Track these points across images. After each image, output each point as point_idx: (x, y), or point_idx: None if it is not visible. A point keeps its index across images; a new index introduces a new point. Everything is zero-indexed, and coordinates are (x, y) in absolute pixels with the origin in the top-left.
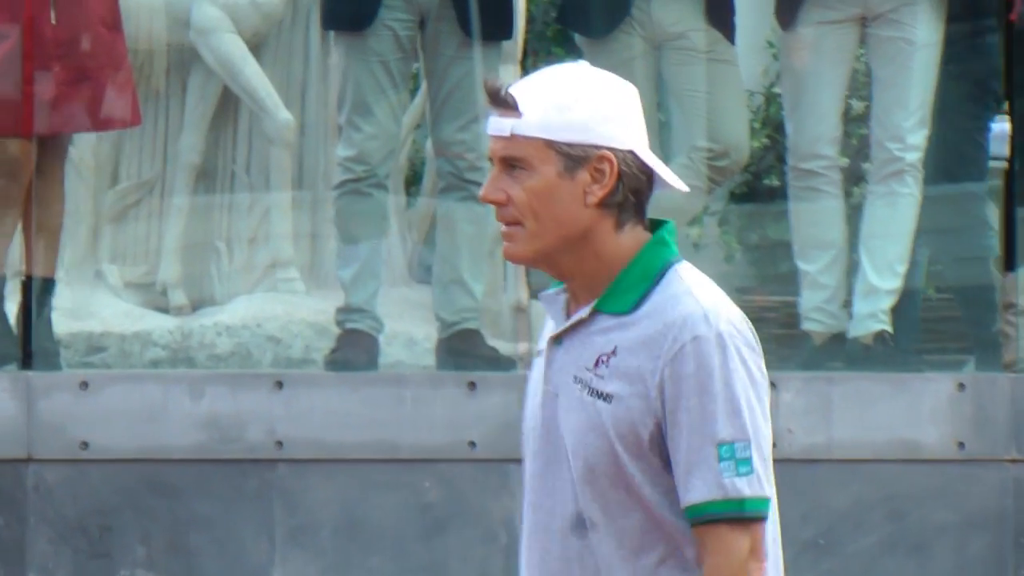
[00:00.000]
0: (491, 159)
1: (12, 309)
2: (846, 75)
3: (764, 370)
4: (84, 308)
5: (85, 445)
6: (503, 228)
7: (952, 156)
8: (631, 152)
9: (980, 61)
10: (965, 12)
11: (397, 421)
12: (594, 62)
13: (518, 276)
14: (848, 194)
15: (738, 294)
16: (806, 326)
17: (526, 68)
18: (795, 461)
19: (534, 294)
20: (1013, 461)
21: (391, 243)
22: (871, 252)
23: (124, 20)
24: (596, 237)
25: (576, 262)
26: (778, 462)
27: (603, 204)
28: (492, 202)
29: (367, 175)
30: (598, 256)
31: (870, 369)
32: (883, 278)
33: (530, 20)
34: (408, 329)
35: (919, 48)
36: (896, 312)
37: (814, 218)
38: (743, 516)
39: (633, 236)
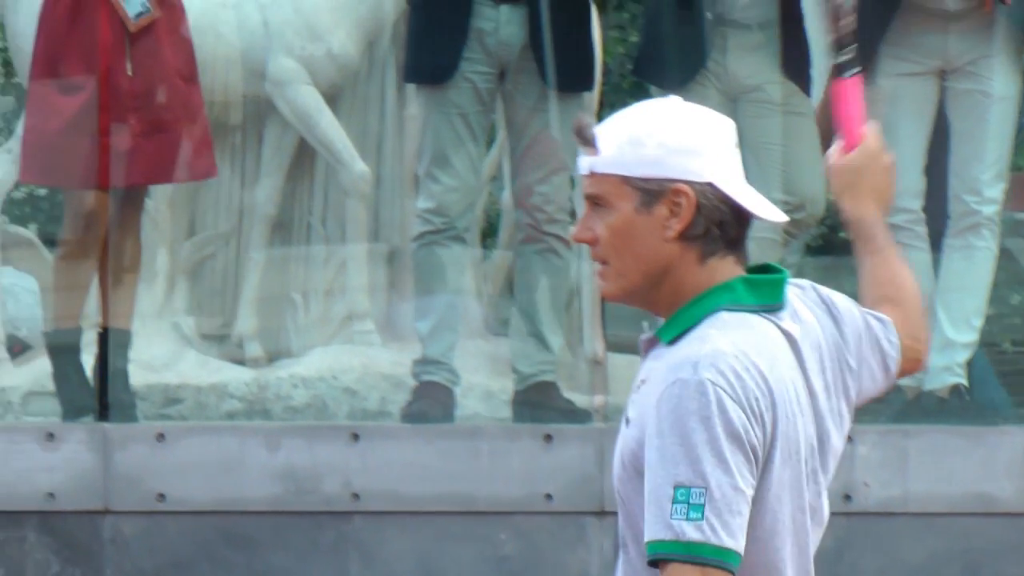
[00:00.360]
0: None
1: (89, 361)
2: (927, 127)
3: (752, 430)
4: (160, 360)
5: (162, 497)
6: (596, 267)
7: None
8: (710, 184)
9: None
10: None
11: (473, 473)
12: None
13: (595, 329)
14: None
15: None
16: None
17: (601, 120)
18: (871, 514)
19: (611, 347)
20: None
21: (467, 295)
22: (947, 306)
23: (200, 72)
24: (679, 270)
25: (661, 295)
26: (854, 515)
27: (684, 237)
28: (580, 241)
29: (446, 227)
30: (682, 288)
31: (946, 422)
32: (959, 331)
33: (606, 72)
34: (484, 381)
35: (997, 101)
36: (971, 365)
37: None
38: (694, 559)
39: (720, 269)
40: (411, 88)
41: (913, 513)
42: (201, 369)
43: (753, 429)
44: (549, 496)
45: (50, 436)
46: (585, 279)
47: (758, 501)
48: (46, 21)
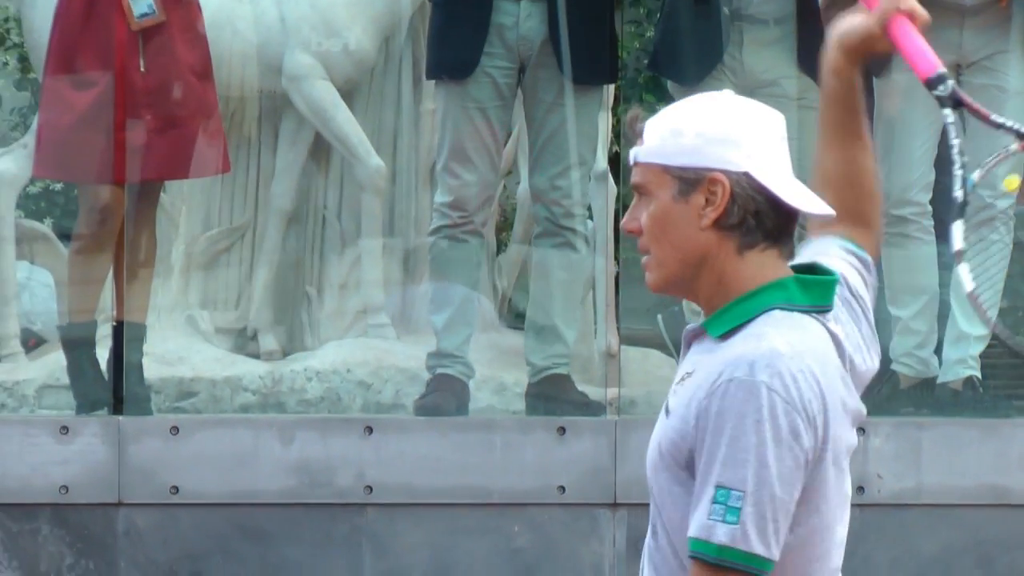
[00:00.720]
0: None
1: (103, 354)
2: (938, 122)
3: (803, 436)
4: (175, 353)
5: (175, 490)
6: (643, 259)
7: None
8: (746, 174)
9: None
10: None
11: (487, 466)
12: None
13: (609, 322)
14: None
15: None
16: (897, 371)
17: (617, 116)
18: (884, 506)
19: (625, 340)
20: None
21: (482, 289)
22: (962, 299)
23: (216, 67)
24: (717, 260)
25: (705, 287)
26: (868, 507)
27: (720, 227)
28: (628, 231)
29: (463, 221)
30: (720, 279)
31: (959, 415)
32: (973, 324)
33: (622, 67)
34: (498, 374)
35: (1012, 95)
36: (986, 358)
37: (906, 264)
38: (722, 563)
39: (760, 261)
40: (427, 83)
41: (927, 505)
42: (215, 363)
43: (805, 434)
44: (562, 488)
45: (64, 429)
46: (600, 273)
47: (806, 501)
48: (61, 17)
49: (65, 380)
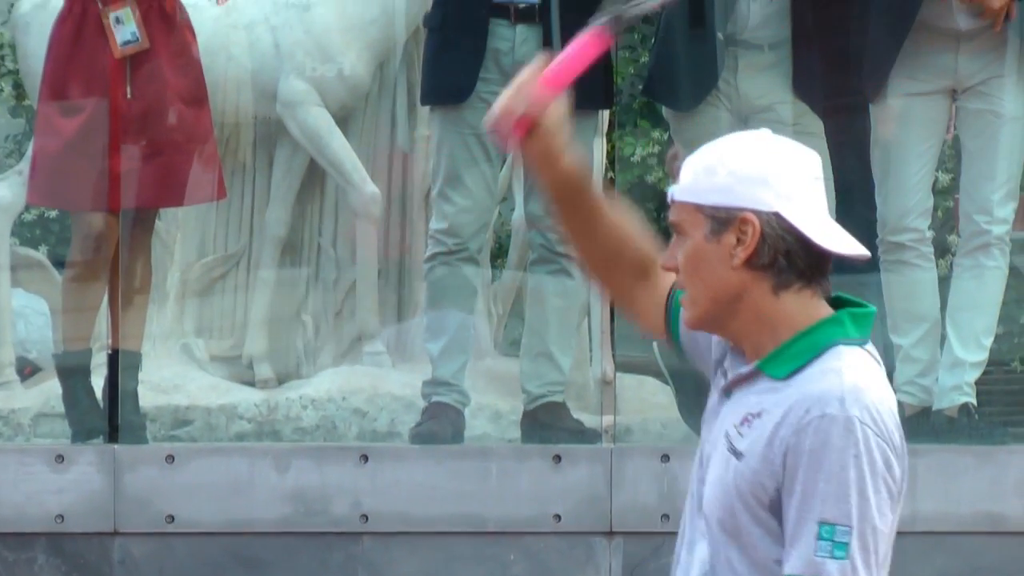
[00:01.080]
0: None
1: (99, 382)
2: (936, 147)
3: (894, 466)
4: (170, 381)
5: (171, 518)
6: (682, 296)
7: None
8: (776, 214)
9: None
10: None
11: (482, 494)
12: (680, 135)
13: (604, 349)
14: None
15: None
16: (898, 399)
17: (612, 141)
18: None
19: (620, 367)
20: None
21: (477, 316)
22: (957, 325)
23: (211, 93)
24: (751, 299)
25: (740, 325)
26: None
27: (752, 266)
28: (666, 269)
29: (459, 248)
30: (759, 318)
31: (954, 441)
32: (969, 351)
33: (617, 93)
34: (493, 402)
35: (1008, 121)
36: (981, 384)
37: (906, 291)
38: None
39: (800, 301)
40: (422, 109)
41: (922, 532)
42: (211, 391)
43: (895, 465)
44: (558, 517)
45: (60, 458)
46: (595, 300)
47: (891, 534)
48: (54, 44)
49: (60, 408)
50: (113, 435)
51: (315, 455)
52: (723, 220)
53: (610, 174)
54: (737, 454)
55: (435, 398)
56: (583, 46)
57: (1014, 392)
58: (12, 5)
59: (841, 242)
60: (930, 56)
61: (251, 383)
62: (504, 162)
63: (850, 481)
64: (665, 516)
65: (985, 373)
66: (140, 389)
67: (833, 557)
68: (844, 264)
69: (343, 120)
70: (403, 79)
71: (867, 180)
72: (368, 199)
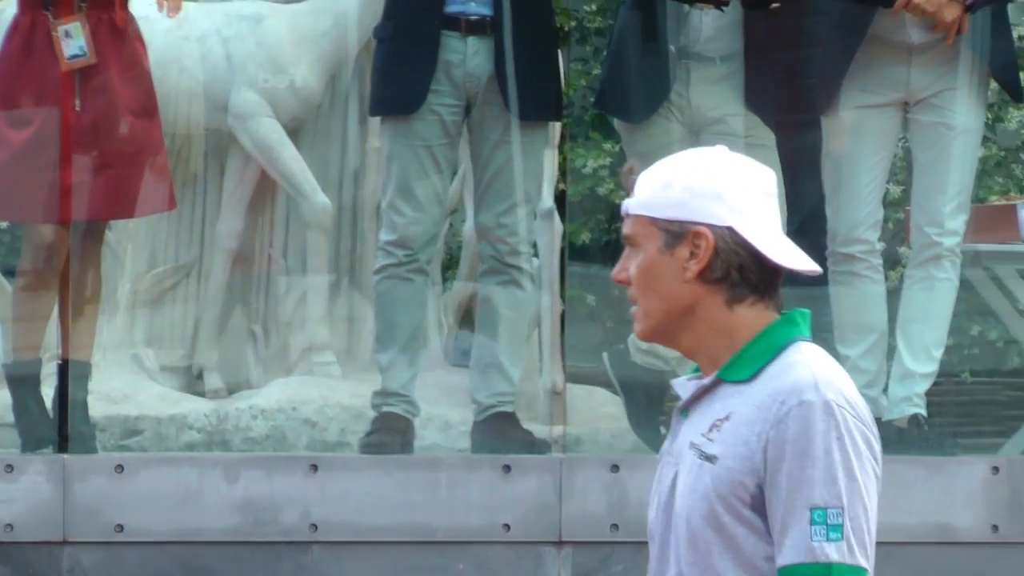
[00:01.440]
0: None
1: (48, 392)
2: (887, 159)
3: (874, 447)
4: (120, 391)
5: (120, 528)
6: (632, 309)
7: None
8: (729, 229)
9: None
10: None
11: (432, 504)
12: (632, 147)
13: (555, 360)
14: (884, 278)
15: None
16: None
17: (564, 154)
18: None
19: (570, 378)
20: None
21: (428, 327)
22: (908, 336)
23: (163, 105)
24: (705, 313)
25: (693, 338)
26: None
27: (704, 280)
28: (617, 281)
29: (408, 260)
30: (713, 331)
31: (904, 452)
32: (919, 362)
33: (569, 105)
34: (443, 412)
35: (959, 133)
36: (931, 395)
37: (855, 303)
38: None
39: (754, 313)
40: (373, 121)
41: None
42: (161, 401)
43: (874, 446)
44: (507, 526)
45: (9, 468)
46: (546, 311)
47: None
48: (3, 55)
49: (10, 418)
50: (63, 445)
51: (265, 465)
52: (677, 234)
53: (561, 186)
54: (711, 459)
55: (385, 408)
56: None
57: (964, 403)
58: None
59: (793, 257)
60: (882, 68)
61: (201, 393)
62: (455, 174)
63: (836, 463)
64: (614, 526)
65: (935, 384)
66: (90, 399)
67: (829, 540)
68: (794, 276)
69: (294, 132)
70: (355, 91)
71: (819, 191)
72: (319, 210)
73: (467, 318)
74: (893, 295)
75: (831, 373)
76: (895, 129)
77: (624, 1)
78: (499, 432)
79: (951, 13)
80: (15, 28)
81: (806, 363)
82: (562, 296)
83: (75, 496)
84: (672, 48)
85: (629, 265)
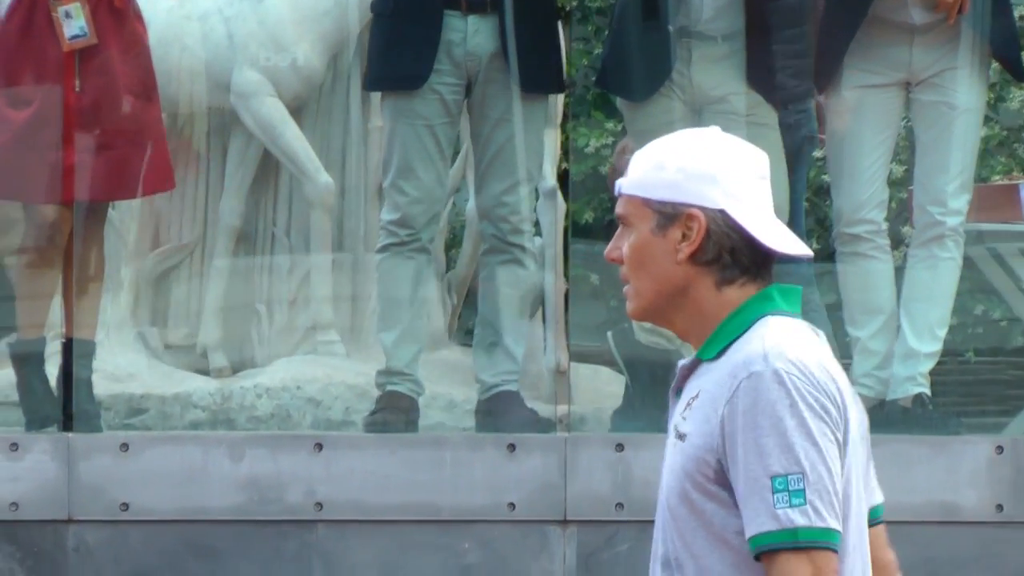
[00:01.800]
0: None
1: (53, 371)
2: (891, 139)
3: (832, 412)
4: (124, 370)
5: (125, 506)
6: (624, 288)
7: None
8: (722, 212)
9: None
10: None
11: (436, 483)
12: (634, 126)
13: (559, 339)
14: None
15: None
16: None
17: (566, 132)
18: None
19: (574, 357)
20: None
21: (431, 306)
22: (912, 316)
23: (165, 84)
24: (695, 294)
25: (685, 319)
26: None
27: (696, 262)
28: (609, 260)
29: (411, 239)
30: (701, 312)
31: (909, 432)
32: (923, 342)
33: (570, 84)
34: (448, 391)
35: (961, 113)
36: (935, 375)
37: (862, 283)
38: (798, 545)
39: (742, 295)
40: (375, 99)
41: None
42: (165, 379)
43: (831, 410)
44: (512, 505)
45: (14, 446)
46: (549, 290)
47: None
48: (3, 35)
49: (14, 397)
50: (67, 423)
51: (269, 444)
52: (670, 215)
53: (564, 165)
54: (682, 436)
55: (389, 387)
56: None
57: (968, 383)
58: None
59: (785, 241)
60: (884, 49)
61: (205, 372)
62: (457, 153)
63: (791, 429)
64: (619, 505)
65: (939, 364)
66: (94, 378)
67: (792, 506)
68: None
69: (297, 111)
70: (357, 70)
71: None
72: (322, 189)
73: (471, 297)
74: (897, 274)
75: (784, 343)
76: (898, 109)
77: None
78: (503, 411)
79: None
80: (15, 8)
81: (763, 336)
82: (565, 275)
83: (80, 475)
84: (673, 27)
85: (622, 244)
